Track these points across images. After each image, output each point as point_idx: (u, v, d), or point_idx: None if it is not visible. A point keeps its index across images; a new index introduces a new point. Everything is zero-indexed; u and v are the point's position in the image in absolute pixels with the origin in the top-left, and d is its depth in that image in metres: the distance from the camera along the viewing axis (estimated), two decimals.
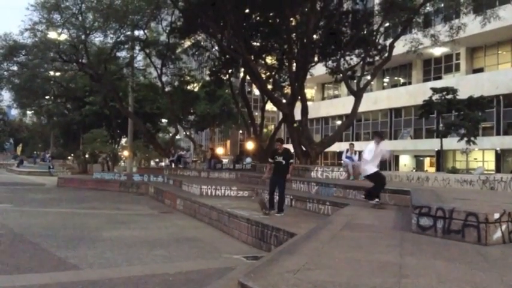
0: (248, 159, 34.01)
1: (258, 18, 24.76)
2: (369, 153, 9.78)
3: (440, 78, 37.91)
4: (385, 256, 4.90)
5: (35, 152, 78.43)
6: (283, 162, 10.64)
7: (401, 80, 43.63)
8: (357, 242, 5.81)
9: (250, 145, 41.57)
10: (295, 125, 23.32)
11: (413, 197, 7.87)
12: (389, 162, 36.95)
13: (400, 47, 23.54)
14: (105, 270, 7.49)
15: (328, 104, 50.06)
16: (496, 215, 5.70)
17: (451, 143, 28.88)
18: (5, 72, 29.87)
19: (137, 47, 31.44)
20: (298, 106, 23.59)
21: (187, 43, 31.11)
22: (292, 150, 19.13)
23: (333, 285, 3.79)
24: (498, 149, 33.06)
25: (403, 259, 4.79)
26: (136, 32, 30.59)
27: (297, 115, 23.26)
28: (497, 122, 32.98)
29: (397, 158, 40.99)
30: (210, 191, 16.27)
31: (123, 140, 48.24)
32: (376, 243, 5.70)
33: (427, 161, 40.52)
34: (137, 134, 37.43)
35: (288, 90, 26.91)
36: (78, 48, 28.81)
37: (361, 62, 23.76)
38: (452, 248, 5.41)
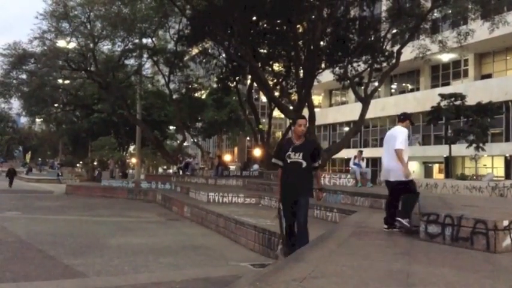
0: (255, 166, 34.02)
1: (265, 25, 24.85)
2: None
3: (448, 84, 37.78)
4: (392, 264, 4.86)
5: (39, 159, 78.79)
6: (304, 163, 6.03)
7: (409, 86, 43.52)
8: (365, 249, 5.77)
9: (257, 152, 41.57)
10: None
11: (421, 204, 7.80)
12: None
13: (408, 53, 23.49)
14: (112, 277, 7.49)
15: (335, 111, 50.01)
16: (505, 222, 5.63)
17: (460, 149, 28.71)
18: (14, 81, 30.10)
19: (145, 55, 31.63)
20: (305, 113, 23.56)
21: (194, 51, 31.27)
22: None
23: None
24: (507, 155, 32.81)
25: (411, 267, 4.74)
26: (144, 40, 30.82)
27: None
28: (507, 128, 32.75)
29: None
30: (217, 198, 16.28)
31: (131, 147, 48.51)
32: (383, 251, 5.65)
33: (435, 167, 40.28)
34: (145, 141, 37.57)
35: (295, 97, 26.91)
36: (87, 56, 29.03)
37: (369, 69, 23.74)
38: (460, 256, 5.35)
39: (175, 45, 29.32)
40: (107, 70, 30.17)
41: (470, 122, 27.19)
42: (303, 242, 6.08)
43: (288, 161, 6.06)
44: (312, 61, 22.08)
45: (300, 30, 24.32)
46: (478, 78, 35.91)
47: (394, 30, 24.31)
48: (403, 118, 7.09)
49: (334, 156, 27.54)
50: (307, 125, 6.49)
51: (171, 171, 48.79)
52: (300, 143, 6.13)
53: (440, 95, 28.36)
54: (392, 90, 45.31)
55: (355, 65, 24.73)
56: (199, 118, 43.70)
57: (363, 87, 24.28)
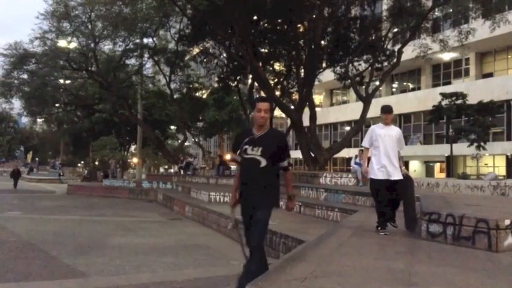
0: None
1: (265, 25, 24.83)
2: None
3: (449, 83, 37.72)
4: (394, 263, 4.85)
5: (36, 159, 78.49)
6: (263, 162, 4.47)
7: (410, 86, 43.47)
8: (366, 249, 5.77)
9: None
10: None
11: (422, 204, 7.80)
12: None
13: (409, 52, 23.48)
14: (113, 277, 7.49)
15: (336, 110, 49.98)
16: (507, 221, 5.62)
17: (461, 148, 28.67)
18: (16, 81, 30.12)
19: (146, 55, 31.62)
20: (306, 112, 23.57)
21: (195, 50, 31.25)
22: (295, 156, 18.87)
23: None
24: (509, 154, 32.76)
25: (413, 266, 4.73)
26: (145, 40, 30.83)
27: (306, 121, 23.24)
28: (508, 127, 32.69)
29: (406, 163, 40.72)
30: (219, 197, 16.29)
31: (133, 147, 48.54)
32: (385, 250, 5.65)
33: (437, 166, 40.24)
34: (146, 141, 37.59)
35: (296, 96, 26.90)
36: (88, 56, 29.04)
37: (370, 68, 23.73)
38: (462, 255, 5.34)
39: (176, 45, 29.32)
40: (108, 70, 30.17)
41: (471, 121, 27.14)
42: (255, 269, 4.38)
43: (244, 156, 4.51)
44: (312, 60, 22.07)
45: (301, 29, 24.30)
46: (479, 77, 35.85)
47: (395, 29, 24.28)
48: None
49: (335, 156, 27.53)
50: (271, 111, 4.78)
51: (172, 171, 48.78)
52: (261, 134, 4.53)
53: (441, 94, 28.33)
54: (394, 90, 45.26)
55: (356, 64, 24.72)
56: (200, 118, 43.69)
57: (364, 87, 24.27)
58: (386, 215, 6.71)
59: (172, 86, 32.05)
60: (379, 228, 6.77)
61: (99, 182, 36.31)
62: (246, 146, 4.50)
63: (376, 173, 6.65)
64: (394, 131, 6.86)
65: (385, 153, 6.63)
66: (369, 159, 6.96)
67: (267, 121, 4.58)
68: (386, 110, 6.84)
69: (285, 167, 4.58)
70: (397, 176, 6.62)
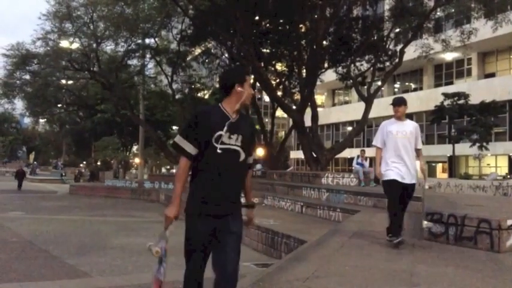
0: (258, 166, 33.98)
1: (267, 25, 24.85)
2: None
3: (451, 83, 37.68)
4: (395, 264, 4.85)
5: (35, 162, 78.33)
6: (243, 155, 3.11)
7: (413, 86, 43.43)
8: (368, 249, 5.76)
9: (260, 152, 41.54)
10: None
11: (424, 204, 7.79)
12: None
13: (411, 52, 23.46)
14: (115, 277, 7.49)
15: (338, 110, 49.95)
16: (509, 222, 5.61)
17: (464, 148, 28.62)
18: (18, 81, 30.15)
19: (148, 55, 31.67)
20: (308, 112, 23.56)
21: (197, 51, 31.28)
22: (292, 156, 18.78)
23: None
24: (511, 154, 32.70)
25: (414, 267, 4.73)
26: (147, 40, 30.85)
27: (307, 121, 23.23)
28: (510, 127, 32.64)
29: None
30: None
31: (135, 148, 48.60)
32: (386, 250, 5.64)
33: (439, 166, 40.19)
34: (148, 141, 37.62)
35: (298, 96, 26.90)
36: (90, 56, 29.09)
37: (372, 68, 23.70)
38: (464, 255, 5.33)
39: (178, 45, 29.34)
40: (110, 70, 30.22)
41: (473, 121, 27.12)
42: None
43: (218, 148, 3.04)
44: (314, 60, 22.06)
45: (303, 29, 24.30)
46: (481, 77, 35.80)
47: (397, 30, 24.26)
48: None
49: (337, 156, 27.51)
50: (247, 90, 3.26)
51: (174, 171, 48.81)
52: (237, 118, 3.16)
53: (443, 94, 28.31)
54: (396, 90, 45.20)
55: (358, 64, 24.67)
56: None
57: (366, 87, 24.24)
58: (398, 219, 5.77)
59: (174, 86, 32.05)
60: (390, 235, 5.79)
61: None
62: (221, 132, 3.04)
63: (387, 173, 5.85)
64: (409, 126, 5.98)
65: (396, 153, 5.86)
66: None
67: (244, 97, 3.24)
68: (396, 102, 6.00)
69: (251, 164, 3.31)
70: (409, 179, 5.81)
